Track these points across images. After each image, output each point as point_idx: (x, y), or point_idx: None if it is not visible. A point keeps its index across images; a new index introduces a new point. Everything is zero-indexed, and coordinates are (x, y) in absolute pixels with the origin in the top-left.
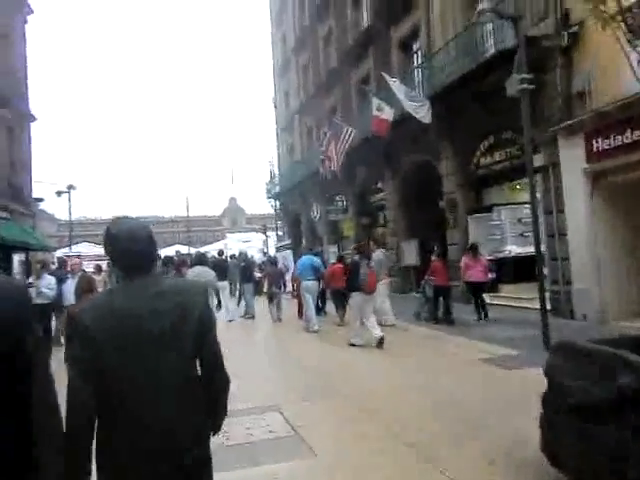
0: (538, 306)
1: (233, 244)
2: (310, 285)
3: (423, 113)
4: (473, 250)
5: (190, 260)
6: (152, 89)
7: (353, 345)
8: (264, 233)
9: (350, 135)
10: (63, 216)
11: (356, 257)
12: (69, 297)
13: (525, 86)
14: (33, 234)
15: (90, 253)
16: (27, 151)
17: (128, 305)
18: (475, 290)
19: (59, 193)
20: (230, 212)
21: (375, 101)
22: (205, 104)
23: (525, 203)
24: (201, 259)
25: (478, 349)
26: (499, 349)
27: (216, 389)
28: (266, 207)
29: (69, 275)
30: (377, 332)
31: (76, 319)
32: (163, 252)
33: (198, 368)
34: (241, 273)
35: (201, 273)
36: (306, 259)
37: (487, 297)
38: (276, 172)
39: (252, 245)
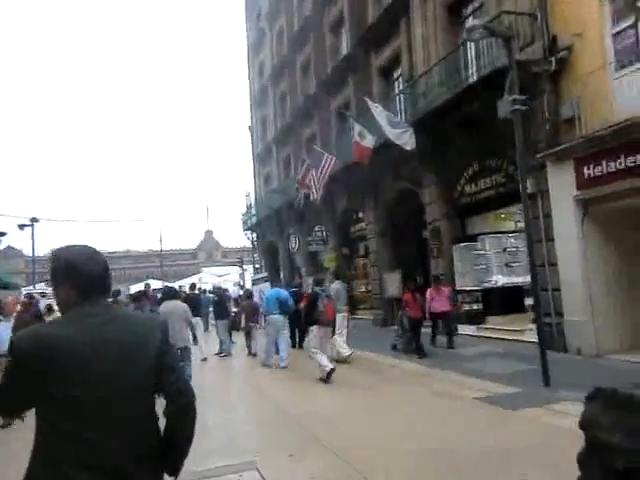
0: (528, 338)
1: (208, 278)
2: (274, 319)
3: (405, 140)
4: (435, 281)
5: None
6: (123, 115)
7: (324, 380)
8: (240, 266)
9: (330, 163)
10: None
11: (316, 289)
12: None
13: (518, 107)
14: None
15: None
16: None
17: (75, 333)
18: (438, 320)
19: (22, 227)
20: (206, 245)
21: (357, 127)
22: (179, 133)
23: (510, 232)
24: (172, 293)
25: (470, 386)
26: (494, 386)
27: (178, 429)
28: (243, 240)
29: (0, 317)
30: (327, 365)
31: (14, 347)
32: (135, 287)
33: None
34: (215, 308)
35: (173, 308)
36: (272, 292)
37: (475, 329)
38: (252, 203)
39: (228, 279)
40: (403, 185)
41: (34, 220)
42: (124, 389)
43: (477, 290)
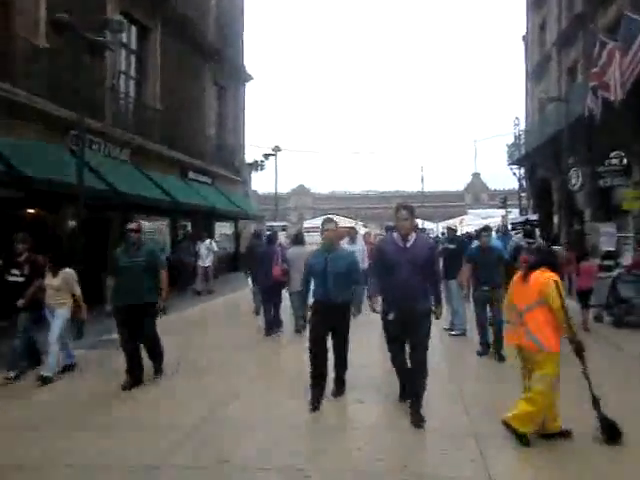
0: None
1: (472, 220)
2: None
3: None
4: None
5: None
6: (379, 43)
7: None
8: (504, 207)
9: None
10: (321, 190)
11: (522, 242)
12: None
13: None
14: (238, 202)
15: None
16: (239, 112)
17: None
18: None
19: (266, 156)
20: (473, 188)
21: None
22: (443, 62)
23: None
24: (299, 239)
25: None
26: None
27: None
28: (512, 182)
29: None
30: None
31: None
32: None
33: None
34: (446, 262)
35: (298, 253)
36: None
37: None
38: (522, 132)
39: (492, 222)
40: None
41: (277, 149)
42: None
43: None
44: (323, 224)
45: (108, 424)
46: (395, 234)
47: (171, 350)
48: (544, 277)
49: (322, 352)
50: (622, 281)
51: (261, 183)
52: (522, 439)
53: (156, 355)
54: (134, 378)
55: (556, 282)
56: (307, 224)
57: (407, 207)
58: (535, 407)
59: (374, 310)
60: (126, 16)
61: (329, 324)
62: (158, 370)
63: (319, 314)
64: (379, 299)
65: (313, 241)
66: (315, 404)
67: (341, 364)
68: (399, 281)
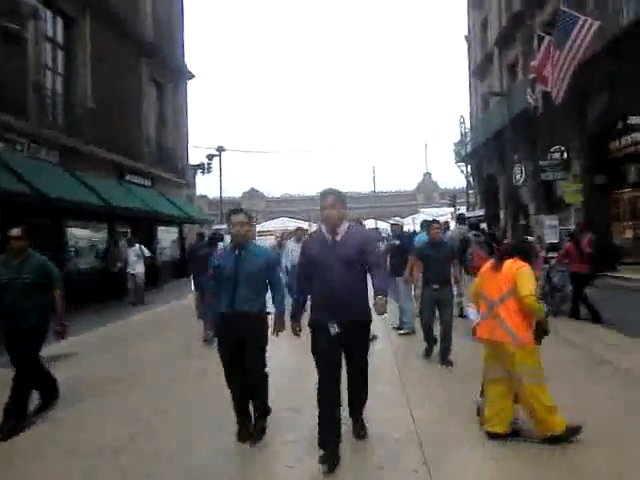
0: None
1: (423, 218)
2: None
3: None
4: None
5: None
6: (330, 42)
7: None
8: (453, 205)
9: (589, 30)
10: (273, 193)
11: (470, 234)
12: None
13: None
14: (182, 205)
15: (281, 227)
16: (181, 112)
17: None
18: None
19: (211, 157)
20: (424, 187)
21: None
22: (394, 62)
23: None
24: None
25: None
26: None
27: None
28: (462, 181)
29: None
30: None
31: None
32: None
33: None
34: (392, 259)
35: None
36: (419, 237)
37: None
38: (467, 129)
39: (442, 219)
40: None
41: (221, 149)
42: None
43: None
44: (230, 215)
45: (13, 451)
46: (323, 227)
47: (92, 368)
48: (517, 266)
49: (240, 386)
50: (556, 271)
51: (211, 187)
52: (571, 433)
53: (41, 387)
54: (15, 420)
55: (530, 271)
56: (260, 227)
57: (333, 192)
58: (537, 403)
59: (296, 334)
60: (50, 6)
61: (241, 343)
62: (43, 406)
63: (226, 337)
64: (300, 322)
65: (265, 244)
66: (242, 437)
67: (259, 393)
68: (331, 286)
